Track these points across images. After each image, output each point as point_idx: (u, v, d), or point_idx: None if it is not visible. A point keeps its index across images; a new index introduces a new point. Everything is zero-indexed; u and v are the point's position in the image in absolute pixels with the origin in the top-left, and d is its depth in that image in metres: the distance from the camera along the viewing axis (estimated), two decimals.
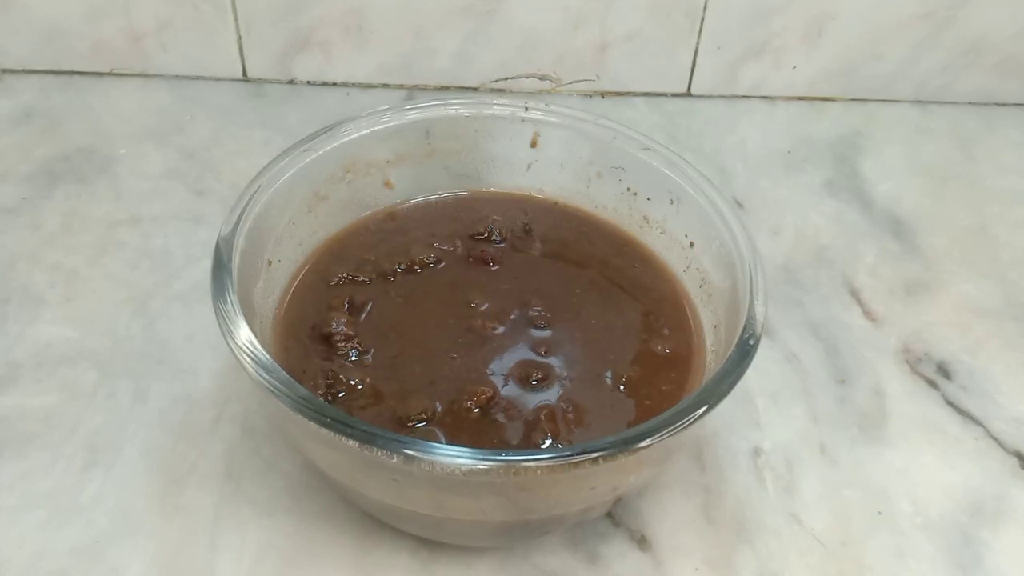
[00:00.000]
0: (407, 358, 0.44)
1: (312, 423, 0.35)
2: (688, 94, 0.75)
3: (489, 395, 0.42)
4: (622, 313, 0.48)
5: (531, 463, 0.34)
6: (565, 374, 0.44)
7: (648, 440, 0.35)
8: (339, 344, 0.44)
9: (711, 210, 0.47)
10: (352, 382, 0.42)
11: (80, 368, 0.51)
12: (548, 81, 0.73)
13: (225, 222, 0.43)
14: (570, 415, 0.42)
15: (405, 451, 0.34)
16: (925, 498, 0.48)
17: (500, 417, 0.42)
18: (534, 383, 0.43)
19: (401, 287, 0.48)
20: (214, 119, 0.69)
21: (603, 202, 0.53)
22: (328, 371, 0.43)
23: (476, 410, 0.42)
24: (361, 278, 0.48)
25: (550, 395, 0.43)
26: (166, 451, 0.47)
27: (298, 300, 0.48)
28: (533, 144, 0.53)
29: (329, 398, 0.42)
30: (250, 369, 0.37)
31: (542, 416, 0.42)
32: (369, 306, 0.47)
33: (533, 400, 0.43)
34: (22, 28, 0.69)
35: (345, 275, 0.48)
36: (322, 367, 0.43)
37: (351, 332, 0.45)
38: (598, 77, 0.73)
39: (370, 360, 0.44)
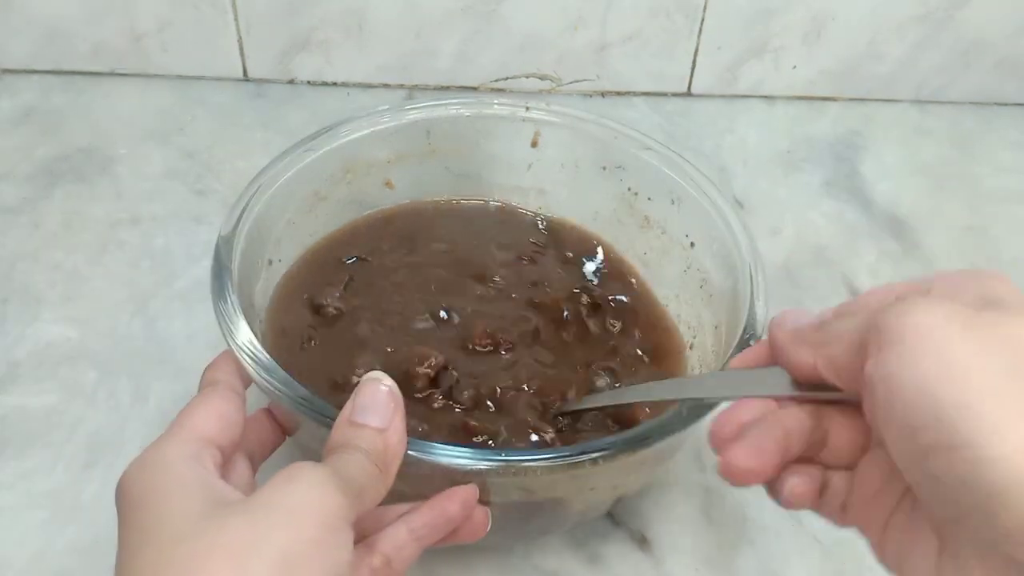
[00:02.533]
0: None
1: (311, 423, 0.35)
2: (688, 94, 0.75)
3: (442, 363, 0.43)
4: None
5: (531, 463, 0.34)
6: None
7: (648, 440, 0.36)
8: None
9: (712, 210, 0.47)
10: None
11: (80, 368, 0.51)
12: (548, 81, 0.73)
13: (225, 222, 0.43)
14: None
15: (405, 451, 0.34)
16: None
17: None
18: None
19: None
20: (215, 119, 0.69)
21: (603, 202, 0.53)
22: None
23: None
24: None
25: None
26: None
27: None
28: (534, 144, 0.53)
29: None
30: (250, 369, 0.37)
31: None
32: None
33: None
34: (23, 28, 0.69)
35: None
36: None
37: (342, 307, 0.46)
38: (598, 77, 0.73)
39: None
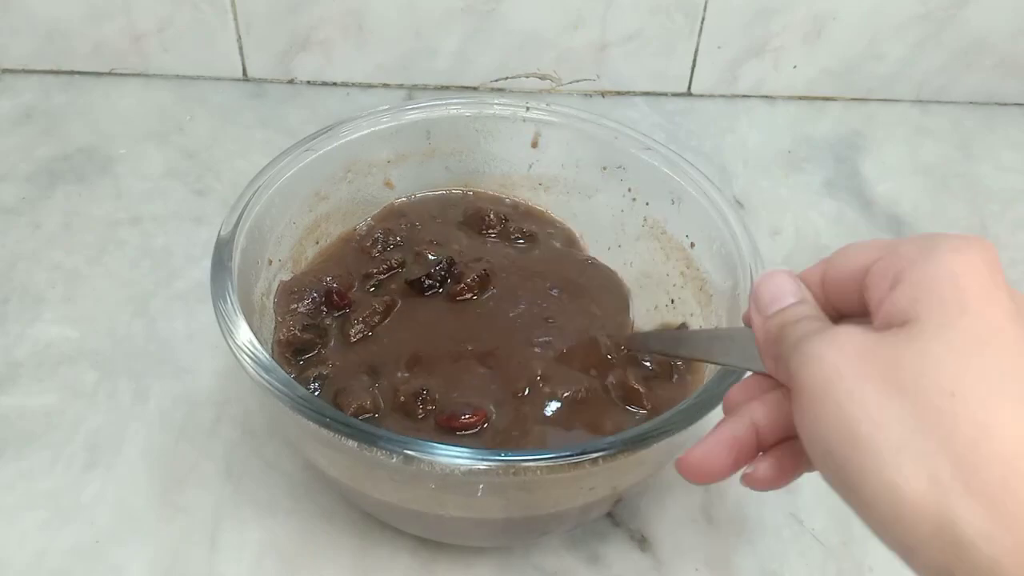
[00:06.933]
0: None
1: (312, 423, 0.35)
2: (688, 93, 0.75)
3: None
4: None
5: (530, 463, 0.34)
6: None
7: (649, 440, 0.35)
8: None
9: (712, 210, 0.47)
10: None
11: (80, 368, 0.51)
12: (548, 81, 0.73)
13: (225, 222, 0.43)
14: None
15: (405, 451, 0.34)
16: None
17: None
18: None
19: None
20: (214, 119, 0.69)
21: (603, 202, 0.53)
22: None
23: None
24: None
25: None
26: (166, 451, 0.47)
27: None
28: (534, 144, 0.53)
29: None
30: (250, 369, 0.37)
31: None
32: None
33: None
34: (23, 28, 0.69)
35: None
36: None
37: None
38: (598, 77, 0.73)
39: None
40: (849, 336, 0.26)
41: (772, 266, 0.59)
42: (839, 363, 0.25)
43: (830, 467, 0.25)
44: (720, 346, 0.37)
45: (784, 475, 0.31)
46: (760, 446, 0.31)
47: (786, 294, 0.30)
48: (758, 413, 0.31)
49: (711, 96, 0.75)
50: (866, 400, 0.24)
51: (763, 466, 0.31)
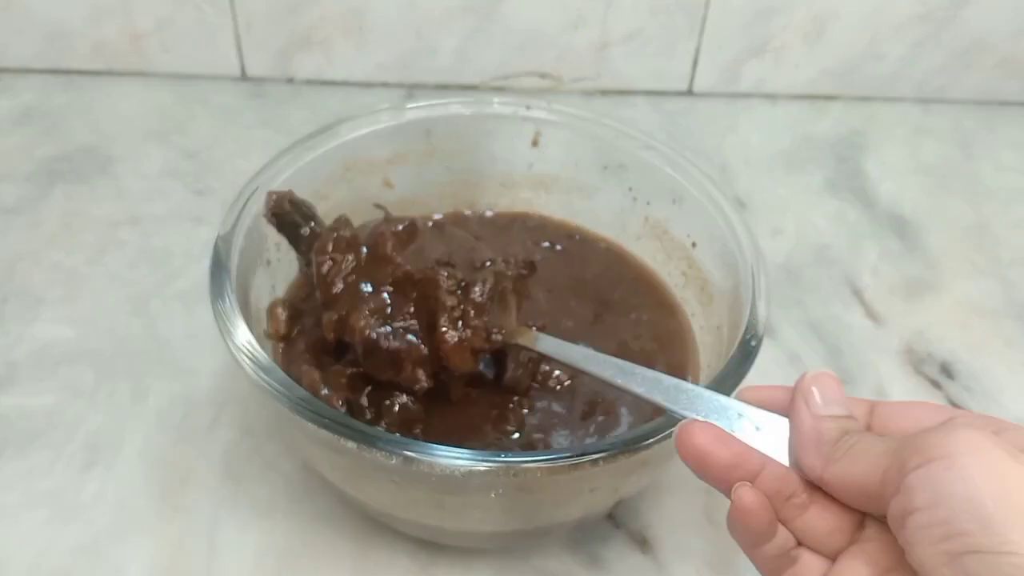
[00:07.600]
0: None
1: (311, 424, 0.35)
2: (689, 93, 0.75)
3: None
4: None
5: (530, 464, 0.34)
6: None
7: (649, 441, 0.35)
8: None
9: (713, 210, 0.46)
10: None
11: (80, 368, 0.51)
12: (549, 80, 0.73)
13: (224, 221, 0.43)
14: None
15: (404, 452, 0.34)
16: None
17: None
18: None
19: None
20: (214, 119, 0.69)
21: (604, 202, 0.52)
22: None
23: None
24: None
25: None
26: (166, 451, 0.47)
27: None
28: (534, 143, 0.53)
29: None
30: (248, 370, 0.37)
31: None
32: None
33: None
34: (23, 28, 0.69)
35: None
36: None
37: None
38: (599, 76, 0.73)
39: None
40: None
41: (773, 265, 0.59)
42: (990, 439, 0.26)
43: (960, 532, 0.25)
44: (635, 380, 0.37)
45: (767, 516, 0.31)
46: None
47: (838, 403, 0.31)
48: (772, 463, 0.31)
49: (712, 95, 0.75)
50: (1009, 463, 0.25)
51: (755, 494, 0.31)
